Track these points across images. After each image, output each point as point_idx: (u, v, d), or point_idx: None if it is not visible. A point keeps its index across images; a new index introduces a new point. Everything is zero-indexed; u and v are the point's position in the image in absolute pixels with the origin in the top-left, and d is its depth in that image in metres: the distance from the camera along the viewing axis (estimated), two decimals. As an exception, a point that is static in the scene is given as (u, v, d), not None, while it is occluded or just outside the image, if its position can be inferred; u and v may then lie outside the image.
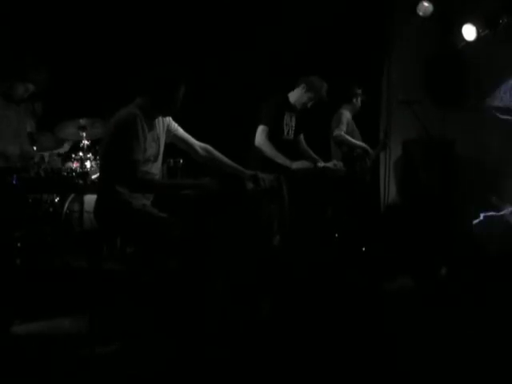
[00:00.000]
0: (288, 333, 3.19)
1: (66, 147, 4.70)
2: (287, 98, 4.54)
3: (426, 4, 5.98)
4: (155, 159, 3.21)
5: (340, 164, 4.65)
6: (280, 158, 4.30)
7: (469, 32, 5.98)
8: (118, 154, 3.02)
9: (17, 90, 3.91)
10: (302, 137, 4.73)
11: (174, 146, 3.45)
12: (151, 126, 3.15)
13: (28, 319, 3.33)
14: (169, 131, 3.31)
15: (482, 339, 3.15)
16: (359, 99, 5.58)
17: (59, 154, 4.59)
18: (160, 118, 3.24)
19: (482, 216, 5.86)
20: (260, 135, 4.32)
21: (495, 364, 2.82)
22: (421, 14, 6.02)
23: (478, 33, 5.94)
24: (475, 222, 5.92)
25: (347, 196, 5.40)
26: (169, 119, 3.32)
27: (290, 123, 4.53)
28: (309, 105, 4.53)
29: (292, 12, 5.67)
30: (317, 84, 4.47)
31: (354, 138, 5.47)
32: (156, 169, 3.24)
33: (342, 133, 5.34)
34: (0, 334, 3.15)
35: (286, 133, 4.51)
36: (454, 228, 5.82)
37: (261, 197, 3.55)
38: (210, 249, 3.14)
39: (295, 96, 4.53)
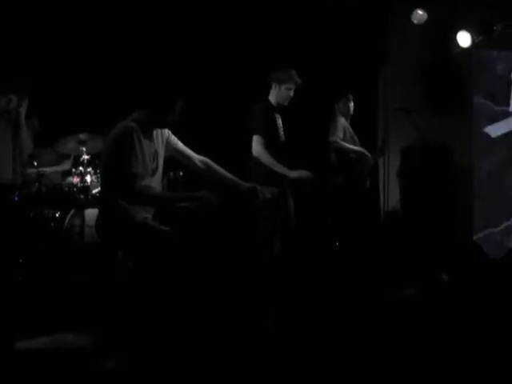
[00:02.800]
0: (292, 343, 3.19)
1: (66, 165, 4.71)
2: (269, 101, 4.50)
3: (420, 12, 6.03)
4: (154, 173, 3.22)
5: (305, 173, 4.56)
6: (278, 167, 4.28)
7: (464, 39, 6.03)
8: (116, 167, 3.04)
9: None
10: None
11: (174, 159, 3.47)
12: (149, 140, 3.16)
13: (31, 335, 3.32)
14: (168, 144, 3.32)
15: (485, 345, 3.16)
16: (351, 104, 5.59)
17: (63, 173, 4.60)
18: (159, 132, 3.26)
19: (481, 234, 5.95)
20: (256, 145, 4.30)
21: (499, 369, 2.83)
22: (415, 22, 6.07)
23: (473, 39, 6.00)
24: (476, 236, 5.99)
25: (347, 204, 5.42)
26: (168, 133, 3.33)
27: (281, 125, 4.50)
28: (291, 94, 4.45)
29: (289, 22, 5.71)
30: (284, 74, 4.43)
31: (352, 143, 5.50)
32: (156, 182, 3.25)
33: (338, 139, 5.36)
34: (3, 350, 3.15)
35: (281, 135, 4.48)
36: (455, 234, 5.84)
37: (260, 208, 3.56)
38: (211, 261, 3.15)
39: (274, 96, 4.48)
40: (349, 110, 5.59)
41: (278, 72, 4.47)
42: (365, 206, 5.60)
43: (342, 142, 5.39)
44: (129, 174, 2.99)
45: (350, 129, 5.58)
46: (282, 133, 4.51)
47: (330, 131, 5.46)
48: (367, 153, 5.50)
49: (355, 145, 5.51)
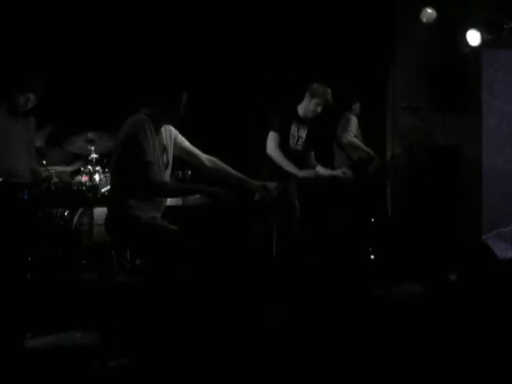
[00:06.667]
0: (297, 340, 3.19)
1: (77, 165, 4.74)
2: (296, 110, 4.58)
3: (429, 10, 6.00)
4: (165, 168, 3.24)
5: (349, 172, 4.65)
6: (288, 166, 4.35)
7: (473, 37, 6.00)
8: (130, 157, 3.03)
9: (18, 101, 3.91)
10: (312, 154, 4.74)
11: (182, 159, 3.48)
12: (158, 135, 3.18)
13: (39, 333, 3.35)
14: (175, 143, 3.34)
15: (491, 345, 3.14)
16: (358, 104, 5.74)
17: (72, 172, 4.62)
18: (167, 130, 3.28)
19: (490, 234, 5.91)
20: (270, 142, 4.39)
21: (504, 369, 2.82)
22: (424, 20, 6.04)
23: (483, 38, 5.96)
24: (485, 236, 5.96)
25: (355, 202, 5.42)
26: (175, 132, 3.35)
27: (296, 134, 4.56)
28: (318, 110, 4.53)
29: (296, 22, 5.72)
30: (319, 89, 4.51)
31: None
32: (166, 178, 3.27)
33: (351, 134, 5.52)
34: (12, 348, 3.17)
35: (291, 142, 4.54)
36: (463, 233, 5.82)
37: (269, 206, 3.57)
38: (220, 259, 3.16)
39: (303, 107, 4.57)
40: (358, 110, 5.79)
41: (315, 84, 4.55)
42: (371, 204, 5.61)
43: (356, 141, 5.48)
44: (144, 163, 3.00)
45: (358, 128, 5.66)
46: (297, 142, 4.57)
47: (341, 129, 5.52)
48: (373, 153, 5.57)
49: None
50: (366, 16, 5.89)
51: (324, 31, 5.77)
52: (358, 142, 5.56)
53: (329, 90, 4.53)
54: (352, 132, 5.54)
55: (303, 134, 4.59)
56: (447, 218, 5.77)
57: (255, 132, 4.59)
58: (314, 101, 4.50)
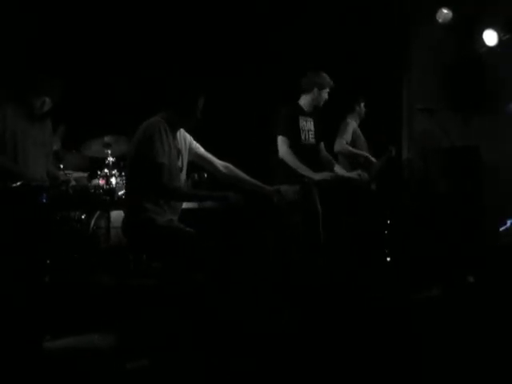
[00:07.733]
0: (312, 343, 3.19)
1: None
2: (298, 105, 4.59)
3: (445, 11, 5.97)
4: (179, 172, 3.25)
5: (364, 174, 4.66)
6: (303, 170, 4.34)
7: (490, 37, 5.95)
8: (144, 158, 3.07)
9: (34, 105, 3.93)
10: (322, 145, 4.75)
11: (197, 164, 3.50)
12: (173, 139, 3.20)
13: (58, 335, 3.37)
14: (190, 149, 3.37)
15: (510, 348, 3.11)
16: (362, 105, 5.64)
17: (89, 175, 4.66)
18: (182, 136, 3.30)
19: (508, 223, 5.79)
20: (282, 146, 4.38)
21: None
22: (440, 21, 6.01)
23: (499, 37, 5.91)
24: (502, 228, 5.86)
25: (370, 204, 5.40)
26: (190, 138, 3.38)
27: (305, 127, 4.56)
28: (327, 97, 4.60)
29: (311, 24, 5.72)
30: (325, 79, 4.57)
31: (356, 146, 5.51)
32: (181, 182, 3.28)
33: (344, 142, 5.39)
34: (32, 351, 3.20)
35: (304, 137, 4.53)
36: (482, 236, 5.76)
37: (284, 210, 3.57)
38: (236, 262, 3.17)
39: (310, 99, 4.58)
40: (362, 113, 5.68)
41: (317, 77, 4.57)
42: (370, 208, 5.57)
43: (348, 147, 5.41)
44: (156, 164, 3.02)
45: (359, 131, 5.61)
46: (308, 136, 4.57)
47: (338, 134, 5.48)
48: (371, 157, 5.49)
49: (361, 147, 5.51)
50: (381, 16, 5.87)
51: (337, 31, 5.76)
52: (350, 149, 5.42)
53: (326, 75, 4.58)
54: (346, 139, 5.42)
55: (311, 126, 4.60)
56: (465, 220, 5.73)
57: (269, 135, 4.59)
58: (325, 90, 4.56)
